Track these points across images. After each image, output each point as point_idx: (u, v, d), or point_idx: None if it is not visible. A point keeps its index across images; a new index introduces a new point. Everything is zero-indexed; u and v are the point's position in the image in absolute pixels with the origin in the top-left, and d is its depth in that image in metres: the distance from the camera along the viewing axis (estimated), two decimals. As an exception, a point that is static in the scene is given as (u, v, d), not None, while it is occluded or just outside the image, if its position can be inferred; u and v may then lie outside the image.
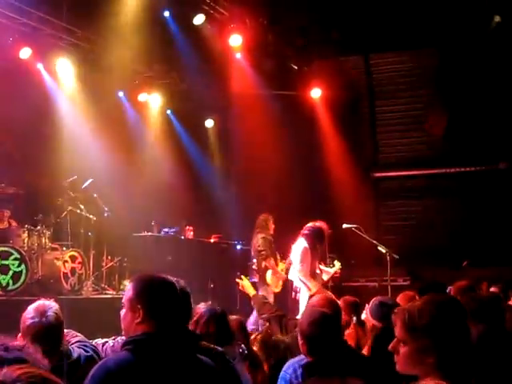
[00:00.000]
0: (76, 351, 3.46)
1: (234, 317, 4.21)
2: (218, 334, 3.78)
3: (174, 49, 11.38)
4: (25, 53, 10.24)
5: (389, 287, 8.70)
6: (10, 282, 8.67)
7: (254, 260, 9.54)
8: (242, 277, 5.95)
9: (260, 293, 7.86)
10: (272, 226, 9.65)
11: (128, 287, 2.82)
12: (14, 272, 8.69)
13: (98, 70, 11.00)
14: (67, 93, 11.30)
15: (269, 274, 9.24)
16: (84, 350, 3.51)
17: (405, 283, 10.35)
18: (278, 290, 9.17)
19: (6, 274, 8.66)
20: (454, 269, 10.99)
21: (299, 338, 3.65)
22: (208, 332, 3.75)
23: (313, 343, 3.55)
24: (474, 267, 11.26)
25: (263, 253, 9.29)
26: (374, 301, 4.34)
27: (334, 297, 4.14)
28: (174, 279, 3.33)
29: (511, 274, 8.53)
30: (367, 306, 4.43)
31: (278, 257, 9.47)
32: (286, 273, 8.53)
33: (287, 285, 8.59)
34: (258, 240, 9.44)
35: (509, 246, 11.71)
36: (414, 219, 13.35)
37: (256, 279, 9.35)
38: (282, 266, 9.21)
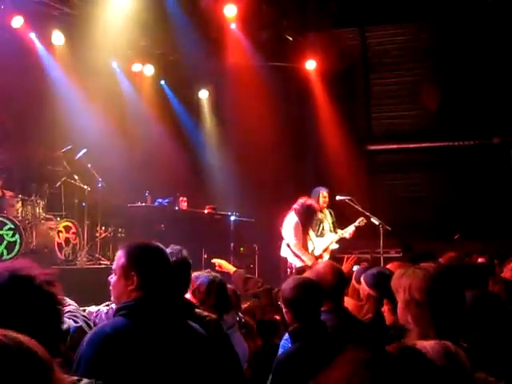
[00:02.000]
0: (66, 322, 3.48)
1: (228, 285, 4.23)
2: (218, 302, 3.82)
3: (168, 18, 11.26)
4: (17, 21, 10.12)
5: (381, 259, 8.79)
6: (5, 251, 8.69)
7: None
8: (214, 259, 5.84)
9: None
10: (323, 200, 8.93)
11: (119, 254, 2.76)
12: (9, 242, 8.71)
13: (92, 40, 10.88)
14: (60, 62, 11.20)
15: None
16: (74, 320, 3.52)
17: (397, 255, 10.43)
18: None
19: (1, 244, 8.68)
20: (446, 242, 11.07)
21: (283, 306, 3.59)
22: (207, 300, 3.78)
23: (296, 308, 3.50)
24: (465, 240, 11.36)
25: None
26: (363, 269, 4.38)
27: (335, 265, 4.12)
28: (178, 248, 3.37)
29: (502, 248, 8.60)
30: (355, 274, 4.45)
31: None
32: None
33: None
34: None
35: (501, 219, 11.80)
36: (406, 192, 13.40)
37: None
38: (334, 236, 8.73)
